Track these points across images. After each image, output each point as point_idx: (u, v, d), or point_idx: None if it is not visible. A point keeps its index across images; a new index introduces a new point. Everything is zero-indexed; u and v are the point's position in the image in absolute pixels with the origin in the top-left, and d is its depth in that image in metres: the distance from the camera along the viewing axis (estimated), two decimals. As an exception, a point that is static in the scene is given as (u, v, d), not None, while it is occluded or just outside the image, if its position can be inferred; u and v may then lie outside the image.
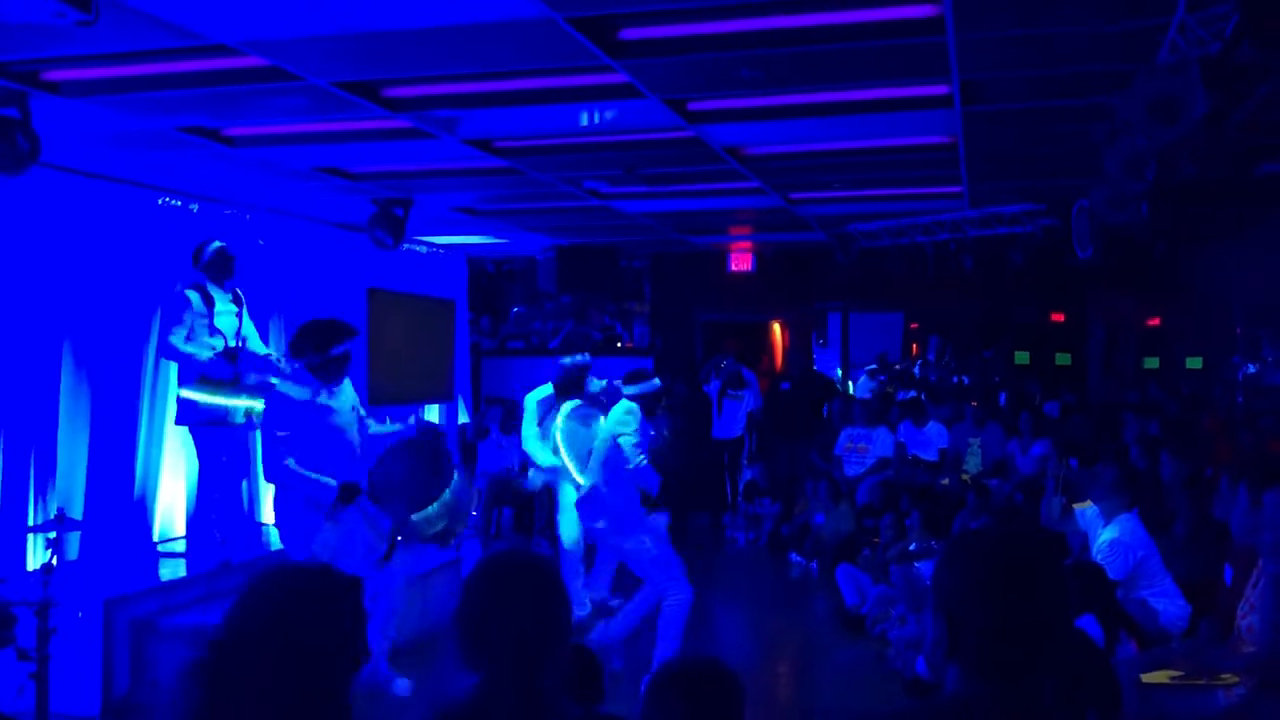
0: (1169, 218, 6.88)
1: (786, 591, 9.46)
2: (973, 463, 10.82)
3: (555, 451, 7.66)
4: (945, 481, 10.42)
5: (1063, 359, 15.61)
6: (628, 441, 6.28)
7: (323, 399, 5.65)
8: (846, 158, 7.17)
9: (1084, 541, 6.43)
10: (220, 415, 6.89)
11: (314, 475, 5.49)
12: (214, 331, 6.91)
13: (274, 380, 6.39)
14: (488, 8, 4.12)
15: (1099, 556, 5.96)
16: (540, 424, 7.93)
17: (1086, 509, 6.53)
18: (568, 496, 7.72)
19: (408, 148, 6.79)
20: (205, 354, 6.79)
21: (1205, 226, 9.59)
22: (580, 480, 7.09)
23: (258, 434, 6.90)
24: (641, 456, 6.29)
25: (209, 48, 4.63)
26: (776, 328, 14.99)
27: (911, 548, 7.63)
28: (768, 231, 11.42)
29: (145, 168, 7.26)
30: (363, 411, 6.09)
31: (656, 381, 6.68)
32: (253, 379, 7.03)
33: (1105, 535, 6.02)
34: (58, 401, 7.23)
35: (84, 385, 7.47)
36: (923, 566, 7.38)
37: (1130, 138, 4.77)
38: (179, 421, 7.10)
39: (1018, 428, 10.55)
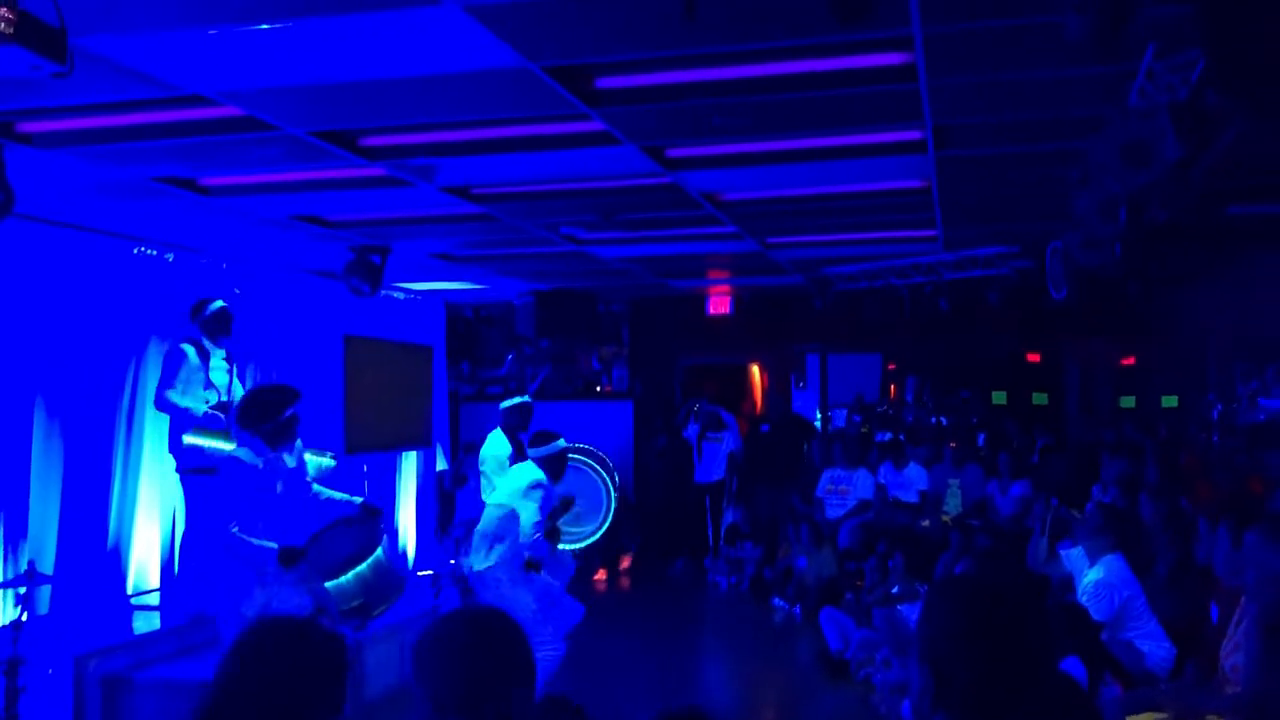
0: (1142, 259, 6.93)
1: (770, 636, 9.40)
2: (953, 504, 10.81)
3: None
4: (926, 523, 10.41)
5: (1039, 398, 15.68)
6: (528, 520, 6.16)
7: (269, 464, 5.58)
8: (822, 202, 7.22)
9: (1069, 582, 6.43)
10: (216, 462, 6.92)
11: (256, 540, 5.37)
12: (208, 385, 7.03)
13: (227, 447, 6.44)
14: (464, 58, 4.14)
15: (1084, 598, 5.95)
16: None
17: (1072, 550, 6.54)
18: None
19: (385, 195, 6.79)
20: (200, 408, 6.95)
21: (1179, 266, 9.68)
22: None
23: None
24: (536, 534, 6.17)
25: (184, 98, 4.63)
26: (755, 370, 15.02)
27: (894, 590, 7.60)
28: (746, 275, 11.46)
29: (121, 217, 7.23)
30: (312, 471, 6.08)
31: (561, 443, 6.54)
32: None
33: (1091, 576, 6.01)
34: (29, 454, 7.14)
35: (56, 436, 7.38)
36: (906, 610, 7.35)
37: (1101, 181, 4.82)
38: (180, 469, 7.13)
39: (997, 468, 10.57)
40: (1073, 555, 6.36)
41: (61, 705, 5.78)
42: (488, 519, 6.43)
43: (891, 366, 16.85)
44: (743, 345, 13.49)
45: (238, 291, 9.01)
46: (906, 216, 7.75)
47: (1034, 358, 15.70)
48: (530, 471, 6.37)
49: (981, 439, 13.63)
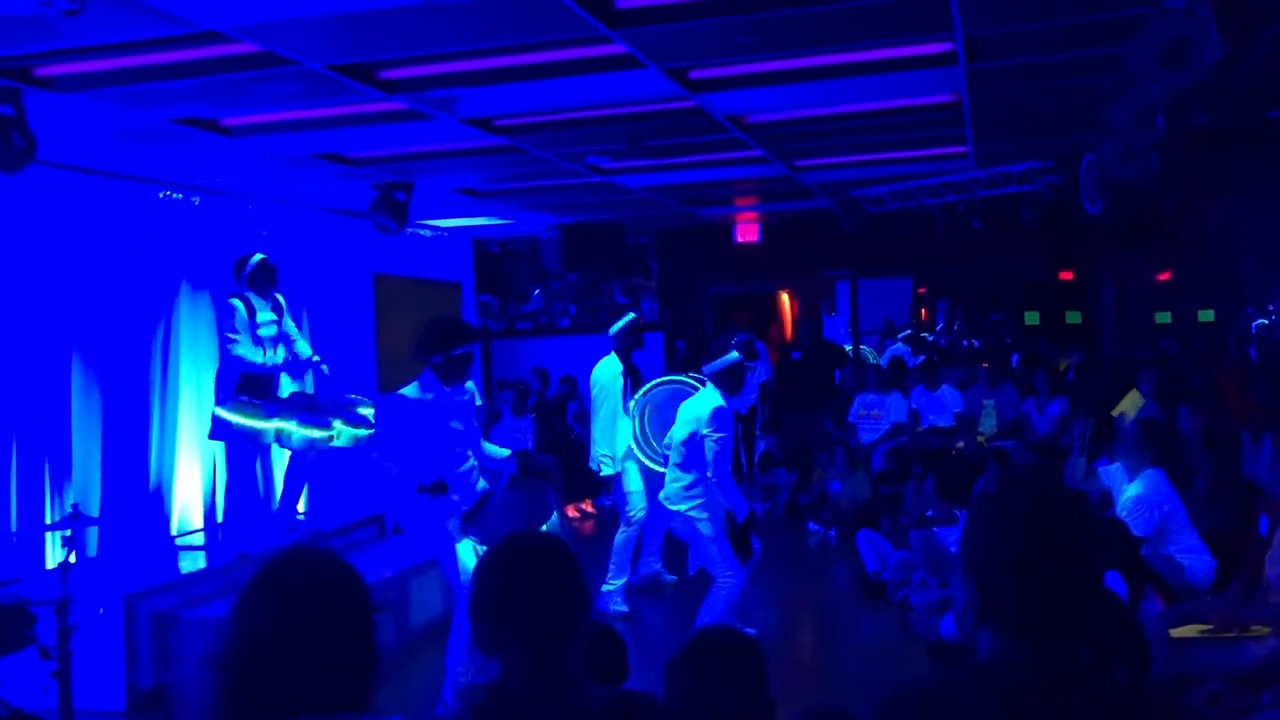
0: (1179, 169, 6.79)
1: (805, 560, 9.43)
2: (988, 424, 10.76)
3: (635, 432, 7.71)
4: (961, 445, 10.37)
5: (1073, 317, 15.53)
6: (711, 447, 5.98)
7: (439, 398, 5.44)
8: (850, 121, 7.08)
9: (1108, 498, 6.39)
10: (251, 436, 6.97)
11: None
12: (257, 342, 7.03)
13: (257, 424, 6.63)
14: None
15: (1123, 513, 5.92)
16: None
17: (1110, 466, 6.49)
18: (632, 477, 7.79)
19: (406, 130, 6.72)
20: (258, 357, 6.97)
21: (1215, 176, 9.48)
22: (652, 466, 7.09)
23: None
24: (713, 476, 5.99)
25: (200, 35, 4.57)
26: (785, 297, 14.91)
27: (929, 513, 7.58)
28: (773, 201, 11.33)
29: (144, 161, 7.21)
30: (479, 400, 5.97)
31: (734, 355, 6.24)
32: (285, 395, 7.17)
33: (1130, 491, 5.97)
34: (69, 400, 7.22)
35: (94, 382, 7.46)
36: (942, 532, 7.34)
37: (1139, 89, 4.69)
38: (212, 436, 7.18)
39: (1033, 387, 10.49)
40: (1111, 471, 6.32)
41: (113, 642, 5.88)
42: (679, 433, 6.24)
43: (922, 291, 16.73)
44: (771, 273, 13.40)
45: (265, 233, 9.02)
46: (937, 133, 7.60)
47: (1067, 276, 15.50)
48: (713, 399, 6.13)
49: (1015, 359, 13.55)
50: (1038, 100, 6.53)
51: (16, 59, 4.97)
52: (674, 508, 6.22)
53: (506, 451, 6.01)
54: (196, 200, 8.31)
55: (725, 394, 6.18)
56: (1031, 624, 1.67)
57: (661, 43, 5.00)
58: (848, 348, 13.80)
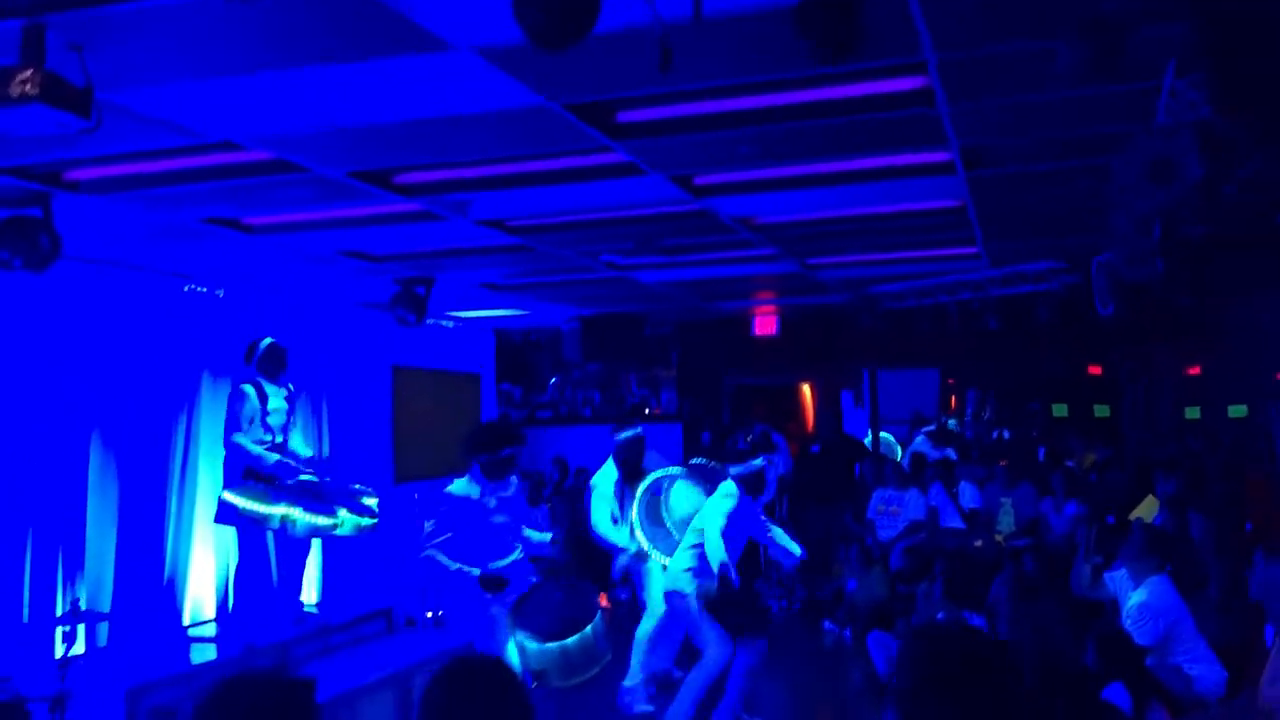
0: (1186, 272, 6.81)
1: (819, 660, 9.31)
2: (1005, 522, 10.65)
3: (632, 531, 7.74)
4: (979, 543, 10.26)
5: (1101, 411, 15.43)
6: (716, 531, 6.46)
7: (489, 499, 6.00)
8: (857, 224, 7.19)
9: (1116, 606, 6.30)
10: (258, 521, 7.08)
11: (455, 565, 5.79)
12: (267, 428, 7.17)
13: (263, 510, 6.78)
14: (485, 99, 4.21)
15: (1128, 621, 5.83)
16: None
17: (1117, 573, 6.41)
18: (654, 571, 7.80)
19: (424, 229, 6.89)
20: (268, 455, 7.09)
21: (1231, 278, 9.48)
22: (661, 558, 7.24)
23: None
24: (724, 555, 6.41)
25: (214, 145, 4.76)
26: (806, 390, 14.93)
27: (939, 616, 7.49)
28: (791, 295, 11.42)
29: (170, 256, 7.41)
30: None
31: (760, 461, 6.87)
32: (291, 481, 7.27)
33: (1134, 599, 5.89)
34: (85, 489, 7.34)
35: (112, 472, 7.58)
36: (953, 634, 7.25)
37: (1131, 199, 4.75)
38: (218, 520, 7.28)
39: (1051, 486, 10.40)
40: (1117, 578, 6.24)
41: (115, 739, 5.89)
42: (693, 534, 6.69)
43: (951, 380, 16.68)
44: (790, 365, 13.44)
45: (290, 326, 9.20)
46: (946, 235, 7.68)
47: (1095, 370, 15.44)
48: (729, 494, 6.65)
49: (1042, 453, 13.44)
50: (1042, 205, 6.61)
51: (46, 165, 5.19)
52: (673, 587, 6.49)
53: (548, 535, 6.29)
54: (221, 293, 8.52)
55: (744, 494, 6.58)
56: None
57: (662, 153, 5.14)
58: (869, 440, 13.77)
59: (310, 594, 9.29)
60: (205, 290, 8.38)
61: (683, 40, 3.32)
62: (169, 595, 7.99)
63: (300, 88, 4.09)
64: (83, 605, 7.20)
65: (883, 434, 14.52)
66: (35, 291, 6.92)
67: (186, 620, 8.12)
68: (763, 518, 7.23)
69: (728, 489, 6.73)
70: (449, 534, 5.84)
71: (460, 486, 6.01)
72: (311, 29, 3.55)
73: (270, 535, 7.61)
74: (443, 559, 5.80)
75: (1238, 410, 13.73)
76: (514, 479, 6.14)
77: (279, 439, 7.17)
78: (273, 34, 3.59)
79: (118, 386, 7.62)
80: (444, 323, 11.66)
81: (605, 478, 7.90)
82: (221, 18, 3.40)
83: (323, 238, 7.02)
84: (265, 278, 8.44)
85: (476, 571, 5.78)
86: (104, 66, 3.70)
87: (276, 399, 7.22)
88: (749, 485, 6.79)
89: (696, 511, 6.86)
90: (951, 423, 15.98)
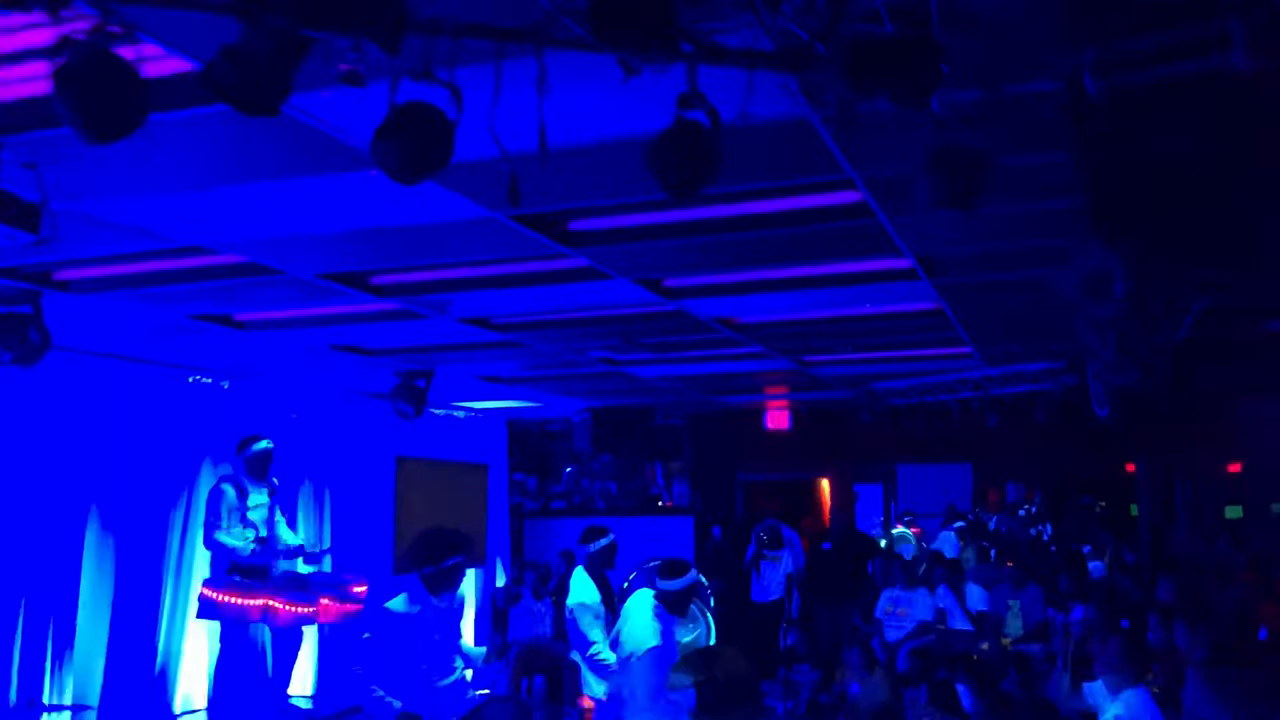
0: (1164, 379, 6.78)
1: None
2: (1013, 626, 10.45)
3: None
4: (985, 646, 10.06)
5: (1133, 510, 15.19)
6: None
7: (425, 611, 5.63)
8: (840, 325, 7.26)
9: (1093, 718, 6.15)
10: (240, 612, 7.19)
11: (382, 694, 5.43)
12: (247, 524, 7.30)
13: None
14: (435, 210, 4.36)
15: (1104, 735, 5.69)
16: None
17: (1095, 684, 6.27)
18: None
19: (411, 327, 7.04)
20: (247, 547, 7.21)
21: (1235, 380, 9.38)
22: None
23: None
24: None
25: (185, 249, 4.96)
26: (825, 485, 14.85)
27: (926, 722, 7.35)
28: (798, 391, 11.46)
29: (169, 349, 7.62)
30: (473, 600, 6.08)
31: (693, 573, 6.34)
32: (280, 567, 7.39)
33: (1111, 711, 5.75)
34: (79, 576, 7.46)
35: (109, 558, 7.72)
36: (940, 742, 7.11)
37: (1083, 310, 4.78)
38: (200, 615, 7.44)
39: (1058, 589, 10.20)
40: (1095, 689, 6.10)
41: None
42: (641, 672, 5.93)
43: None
44: (803, 460, 13.41)
45: (294, 416, 9.40)
46: (931, 335, 7.71)
47: (1131, 468, 15.22)
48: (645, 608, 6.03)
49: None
50: (1018, 311, 6.64)
51: (34, 266, 5.42)
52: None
53: (483, 650, 6.12)
54: (226, 385, 8.73)
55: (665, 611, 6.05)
56: None
57: (620, 259, 5.26)
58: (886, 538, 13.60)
59: (305, 686, 9.33)
60: (210, 381, 8.60)
61: (622, 157, 3.47)
62: (160, 685, 8.05)
63: (257, 199, 4.28)
64: (70, 693, 7.33)
65: (898, 529, 14.32)
66: (39, 382, 7.15)
67: (177, 709, 8.16)
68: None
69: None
70: (384, 657, 5.51)
71: (399, 604, 5.62)
72: (255, 149, 3.74)
73: (261, 629, 7.71)
74: (380, 693, 5.43)
75: (1281, 508, 13.44)
76: (459, 593, 5.80)
77: (262, 533, 7.30)
78: (219, 153, 3.78)
79: (117, 474, 7.80)
80: (456, 413, 11.81)
81: (584, 593, 6.87)
82: (172, 140, 3.58)
83: (313, 334, 7.21)
84: (266, 370, 8.64)
85: (398, 704, 5.39)
86: (66, 179, 3.92)
87: (258, 496, 7.40)
88: (676, 604, 6.11)
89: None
90: (984, 516, 15.71)
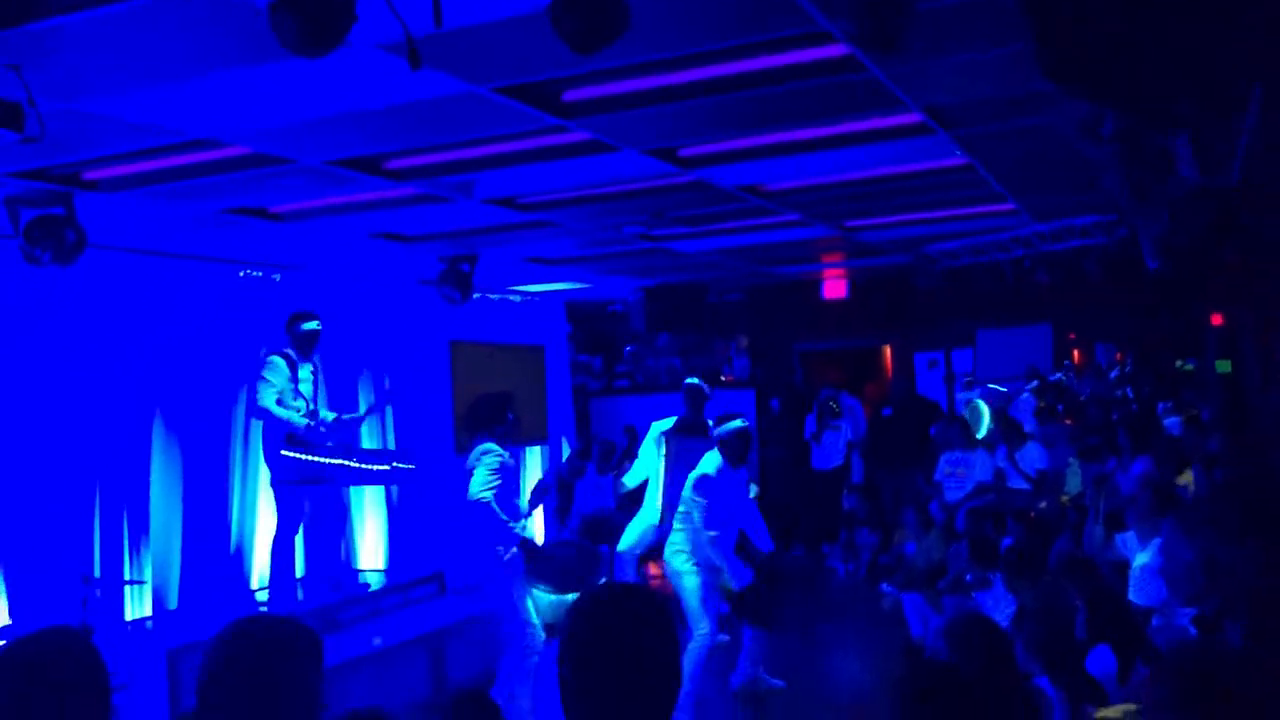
0: (1214, 225, 6.54)
1: (873, 623, 9.30)
2: (1074, 483, 10.38)
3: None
4: (1043, 505, 10.06)
5: (1223, 366, 14.78)
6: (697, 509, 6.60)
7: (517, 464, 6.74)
8: (869, 186, 7.12)
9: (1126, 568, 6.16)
10: (314, 473, 7.49)
11: (514, 525, 6.35)
12: (298, 394, 7.56)
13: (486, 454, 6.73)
14: (412, 89, 4.37)
15: (1134, 582, 5.72)
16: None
17: (1127, 534, 6.27)
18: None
19: (440, 211, 7.11)
20: (299, 420, 7.45)
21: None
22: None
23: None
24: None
25: (196, 142, 5.07)
26: (888, 352, 14.72)
27: (968, 578, 7.43)
28: (855, 258, 11.31)
29: (211, 243, 7.80)
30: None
31: (740, 422, 6.90)
32: (330, 443, 7.68)
33: (1139, 560, 5.77)
34: (149, 468, 7.85)
35: (175, 450, 8.10)
36: (979, 597, 7.19)
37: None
38: (275, 480, 7.75)
39: (1117, 445, 10.07)
40: (1127, 539, 6.10)
41: (158, 698, 6.36)
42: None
43: (1072, 336, 16.14)
44: (862, 328, 13.29)
45: (347, 306, 9.63)
46: (968, 193, 7.53)
47: (1217, 320, 14.73)
48: (711, 461, 6.73)
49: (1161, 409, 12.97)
50: (1048, 160, 6.43)
51: (64, 166, 5.60)
52: (672, 566, 6.52)
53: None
54: (277, 277, 8.97)
55: (727, 460, 6.46)
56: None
57: (624, 128, 5.22)
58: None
59: (377, 560, 9.77)
60: (261, 275, 8.84)
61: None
62: (236, 562, 8.50)
63: (247, 86, 4.33)
64: (149, 571, 7.81)
65: (974, 396, 14.14)
66: (98, 281, 7.45)
67: (254, 585, 8.63)
68: (750, 497, 7.12)
69: (712, 458, 6.70)
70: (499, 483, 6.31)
71: (501, 452, 6.42)
72: (228, 34, 3.77)
73: (314, 497, 8.02)
74: (496, 508, 6.25)
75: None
76: None
77: (311, 407, 7.55)
78: (199, 40, 3.83)
79: (178, 367, 8.11)
80: (511, 297, 11.96)
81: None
82: (150, 27, 3.65)
83: (347, 221, 7.31)
84: (312, 261, 8.82)
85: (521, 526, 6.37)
86: (58, 78, 4.03)
87: (305, 371, 7.61)
88: (730, 449, 6.68)
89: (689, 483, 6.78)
90: (1059, 377, 15.46)
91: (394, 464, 7.79)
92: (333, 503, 7.94)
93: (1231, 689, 1.87)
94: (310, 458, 7.46)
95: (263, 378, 7.56)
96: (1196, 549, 3.37)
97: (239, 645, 2.32)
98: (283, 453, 7.49)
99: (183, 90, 4.36)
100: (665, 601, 2.02)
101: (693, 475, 6.66)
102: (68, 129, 4.53)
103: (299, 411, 7.52)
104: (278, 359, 7.60)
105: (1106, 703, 4.47)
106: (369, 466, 7.81)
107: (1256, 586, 2.65)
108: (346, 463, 7.66)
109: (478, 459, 6.43)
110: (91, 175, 5.81)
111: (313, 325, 7.75)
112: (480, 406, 6.86)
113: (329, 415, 7.73)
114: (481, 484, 6.28)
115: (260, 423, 7.71)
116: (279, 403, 7.45)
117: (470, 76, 4.27)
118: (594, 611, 1.89)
